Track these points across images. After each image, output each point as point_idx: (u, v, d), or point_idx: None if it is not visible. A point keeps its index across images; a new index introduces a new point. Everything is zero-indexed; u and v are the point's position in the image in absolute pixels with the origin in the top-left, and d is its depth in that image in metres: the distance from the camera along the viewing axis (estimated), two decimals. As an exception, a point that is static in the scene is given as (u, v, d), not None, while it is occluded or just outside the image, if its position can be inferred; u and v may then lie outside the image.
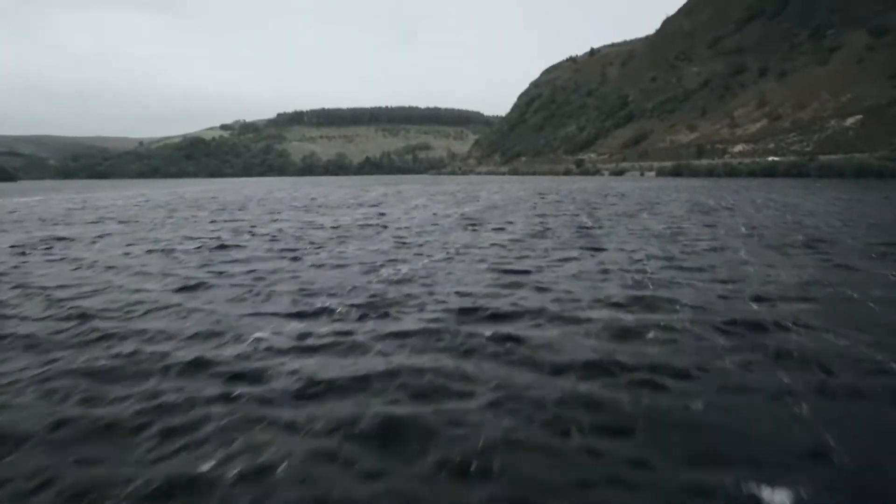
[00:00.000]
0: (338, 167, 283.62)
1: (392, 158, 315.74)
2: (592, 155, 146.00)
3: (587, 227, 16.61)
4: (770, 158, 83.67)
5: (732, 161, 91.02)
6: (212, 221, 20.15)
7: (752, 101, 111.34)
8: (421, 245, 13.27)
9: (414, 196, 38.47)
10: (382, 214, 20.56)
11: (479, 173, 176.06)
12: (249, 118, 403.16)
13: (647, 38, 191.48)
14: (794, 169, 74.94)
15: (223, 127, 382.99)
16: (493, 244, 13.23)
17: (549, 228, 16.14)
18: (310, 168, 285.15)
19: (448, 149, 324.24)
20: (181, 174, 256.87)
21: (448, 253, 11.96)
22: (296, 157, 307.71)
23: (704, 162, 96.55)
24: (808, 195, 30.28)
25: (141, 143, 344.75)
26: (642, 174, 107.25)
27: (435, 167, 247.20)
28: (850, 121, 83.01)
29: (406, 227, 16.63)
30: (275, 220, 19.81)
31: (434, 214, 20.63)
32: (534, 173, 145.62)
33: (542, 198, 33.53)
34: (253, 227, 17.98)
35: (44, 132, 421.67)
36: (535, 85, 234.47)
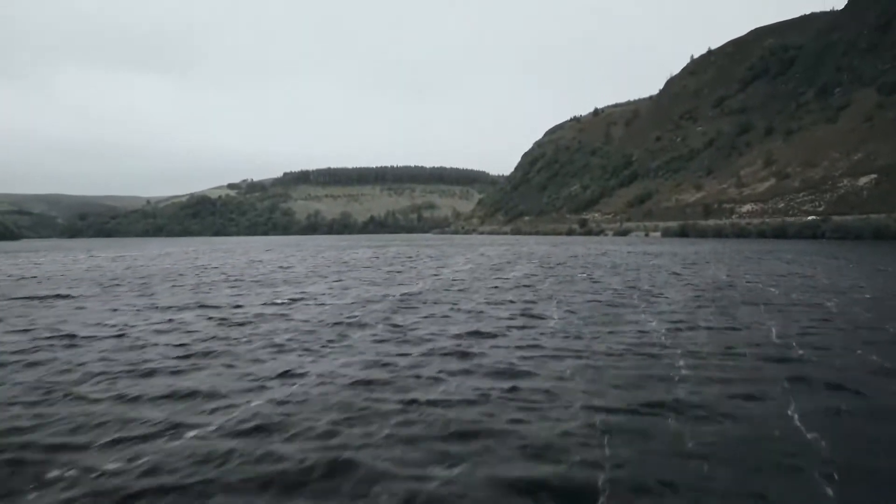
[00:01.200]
0: (342, 226, 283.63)
1: (397, 217, 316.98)
2: (596, 215, 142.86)
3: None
4: (782, 219, 79.81)
5: (741, 221, 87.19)
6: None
7: (758, 160, 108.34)
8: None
9: (382, 262, 34.40)
10: (293, 302, 15.26)
11: (482, 233, 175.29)
12: (257, 177, 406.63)
13: (651, 97, 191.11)
14: (806, 230, 70.92)
15: (230, 186, 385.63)
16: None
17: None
18: (314, 227, 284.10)
19: (453, 208, 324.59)
20: (186, 233, 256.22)
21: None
22: (300, 216, 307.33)
23: (711, 222, 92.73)
24: (841, 266, 24.73)
25: (148, 201, 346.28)
26: (647, 234, 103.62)
27: (440, 226, 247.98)
28: (863, 180, 79.43)
29: (287, 334, 10.37)
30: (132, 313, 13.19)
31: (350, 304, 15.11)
32: (537, 233, 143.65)
33: (510, 265, 29.40)
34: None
35: (55, 191, 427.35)
36: (538, 144, 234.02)
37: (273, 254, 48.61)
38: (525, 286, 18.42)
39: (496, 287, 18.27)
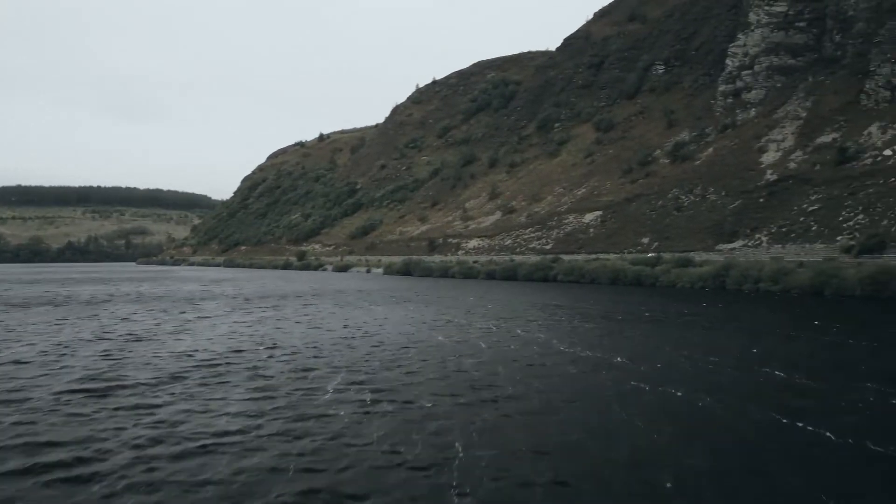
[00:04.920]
0: (32, 253, 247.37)
1: (100, 243, 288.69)
2: (317, 246, 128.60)
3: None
4: (510, 258, 71.72)
5: (468, 259, 78.14)
6: None
7: (483, 193, 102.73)
8: None
9: None
10: None
11: (193, 263, 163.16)
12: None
13: (377, 125, 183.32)
14: (538, 272, 62.78)
15: None
16: None
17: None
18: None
19: (168, 234, 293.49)
20: None
21: None
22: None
23: (438, 259, 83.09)
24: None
25: None
26: (369, 271, 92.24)
27: (152, 254, 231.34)
28: (588, 217, 74.77)
29: None
30: None
31: None
32: (251, 265, 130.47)
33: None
34: None
35: None
36: (260, 169, 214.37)
37: None
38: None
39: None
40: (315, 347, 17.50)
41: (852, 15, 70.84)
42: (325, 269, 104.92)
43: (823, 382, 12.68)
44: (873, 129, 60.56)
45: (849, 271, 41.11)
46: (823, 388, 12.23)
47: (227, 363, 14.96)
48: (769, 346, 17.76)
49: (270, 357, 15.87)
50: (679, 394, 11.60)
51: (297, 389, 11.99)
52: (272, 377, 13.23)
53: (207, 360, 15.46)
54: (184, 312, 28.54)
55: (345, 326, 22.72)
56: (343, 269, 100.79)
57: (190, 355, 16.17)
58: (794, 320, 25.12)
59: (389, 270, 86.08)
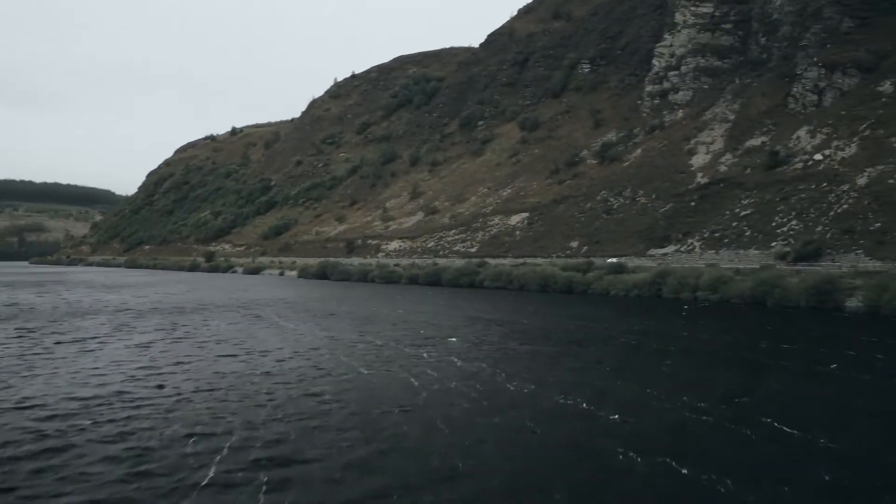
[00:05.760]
0: None
1: None
2: (227, 246, 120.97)
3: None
4: (434, 261, 67.62)
5: (389, 262, 73.56)
6: None
7: (404, 192, 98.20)
8: None
9: None
10: None
11: (92, 263, 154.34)
12: None
13: (293, 119, 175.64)
14: (463, 277, 58.96)
15: None
16: None
17: None
18: None
19: (67, 231, 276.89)
20: None
21: None
22: None
23: (356, 262, 78.14)
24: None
25: None
26: (282, 273, 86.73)
27: (48, 252, 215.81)
28: (515, 219, 71.56)
29: None
30: None
31: None
32: (155, 266, 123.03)
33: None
34: None
35: None
36: (167, 163, 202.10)
37: None
38: None
39: None
40: (206, 392, 13.54)
41: (777, 18, 70.47)
42: (235, 272, 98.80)
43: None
44: (802, 133, 59.80)
45: (791, 280, 39.54)
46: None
47: (78, 426, 11.02)
48: (774, 384, 14.45)
49: (140, 407, 12.29)
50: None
51: (165, 472, 8.84)
52: (140, 447, 9.89)
53: (57, 414, 11.76)
54: (56, 333, 23.19)
55: (247, 353, 18.75)
56: (255, 271, 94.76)
57: (30, 408, 12.06)
58: (771, 338, 22.24)
59: (305, 273, 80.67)
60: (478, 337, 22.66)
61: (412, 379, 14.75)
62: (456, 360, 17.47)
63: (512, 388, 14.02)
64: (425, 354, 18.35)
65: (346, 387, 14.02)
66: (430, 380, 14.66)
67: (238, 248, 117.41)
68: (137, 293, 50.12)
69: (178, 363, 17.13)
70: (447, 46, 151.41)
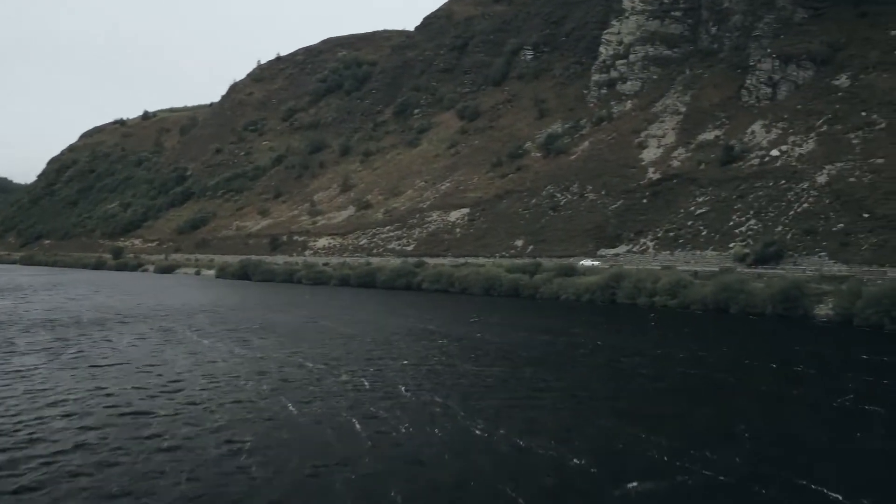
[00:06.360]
0: None
1: None
2: (137, 242, 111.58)
3: None
4: (367, 261, 61.89)
5: (317, 260, 67.37)
6: None
7: (334, 184, 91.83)
8: None
9: None
10: None
11: None
12: None
13: (211, 104, 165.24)
14: (399, 279, 53.69)
15: None
16: None
17: None
18: None
19: None
20: None
21: None
22: None
23: (281, 260, 71.73)
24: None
25: None
26: (199, 273, 79.66)
27: None
28: (454, 215, 66.49)
29: None
30: None
31: None
32: (55, 263, 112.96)
33: None
34: None
35: None
36: (71, 149, 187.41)
37: None
38: None
39: None
40: (89, 448, 11.09)
41: (728, 6, 67.86)
42: (145, 270, 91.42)
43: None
44: (756, 127, 57.06)
45: (755, 285, 36.77)
46: None
47: None
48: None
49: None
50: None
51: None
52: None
53: None
54: None
55: (149, 390, 15.47)
56: (167, 270, 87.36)
57: None
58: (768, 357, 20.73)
59: (224, 273, 73.85)
60: (424, 356, 20.34)
61: (356, 422, 11.96)
62: (403, 389, 15.01)
63: (479, 431, 11.93)
64: (366, 383, 15.63)
65: (273, 442, 10.95)
66: (378, 424, 12.03)
67: (149, 244, 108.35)
68: (29, 298, 44.72)
69: (55, 402, 13.80)
70: (380, 29, 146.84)
